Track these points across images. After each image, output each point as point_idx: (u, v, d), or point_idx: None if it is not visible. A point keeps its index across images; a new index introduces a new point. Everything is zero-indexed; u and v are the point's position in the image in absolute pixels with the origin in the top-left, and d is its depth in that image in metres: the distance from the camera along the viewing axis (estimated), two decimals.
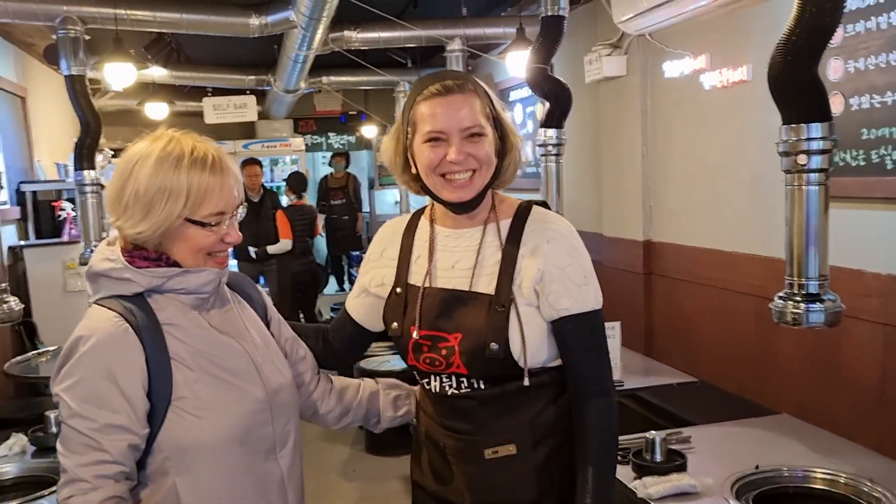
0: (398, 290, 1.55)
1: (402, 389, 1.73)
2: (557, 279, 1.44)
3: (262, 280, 6.25)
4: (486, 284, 1.46)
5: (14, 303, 2.29)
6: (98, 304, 1.34)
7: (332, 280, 9.34)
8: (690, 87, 3.74)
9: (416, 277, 1.55)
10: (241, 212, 1.41)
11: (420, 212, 1.63)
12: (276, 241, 6.27)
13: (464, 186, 1.45)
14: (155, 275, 1.34)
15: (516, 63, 4.27)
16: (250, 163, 6.42)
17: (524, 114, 5.98)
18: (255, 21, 4.22)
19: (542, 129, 3.47)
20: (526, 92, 5.88)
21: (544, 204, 1.57)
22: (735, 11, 3.34)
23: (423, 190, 1.52)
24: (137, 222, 1.31)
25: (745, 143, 3.38)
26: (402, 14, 5.10)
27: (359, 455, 4.63)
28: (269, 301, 1.64)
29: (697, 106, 3.71)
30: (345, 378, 1.74)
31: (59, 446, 1.28)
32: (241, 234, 1.43)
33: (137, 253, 1.36)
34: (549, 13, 3.41)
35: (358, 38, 4.93)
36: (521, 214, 1.52)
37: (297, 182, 6.95)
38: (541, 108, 5.62)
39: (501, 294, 1.44)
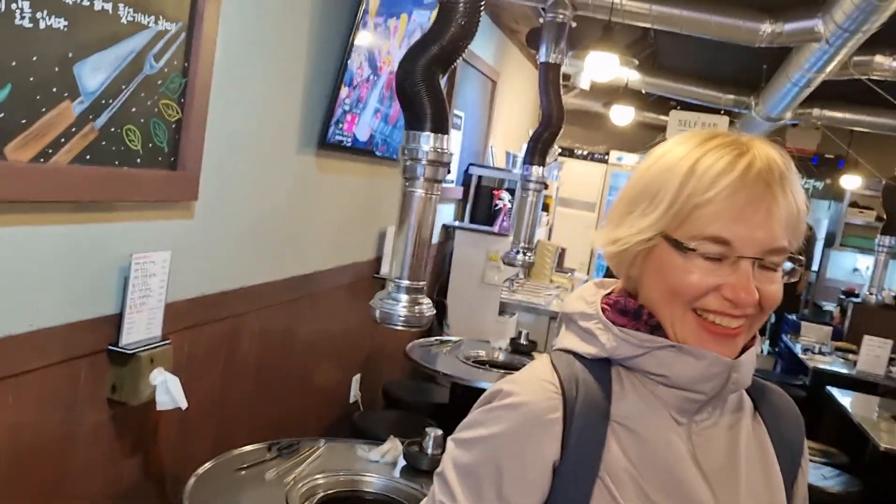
0: None
1: None
2: None
3: None
4: None
5: (427, 307, 1.94)
6: (553, 354, 0.95)
7: None
8: None
9: None
10: (787, 266, 0.88)
11: None
12: None
13: None
14: (629, 339, 0.89)
15: None
16: None
17: None
18: (766, 27, 3.48)
19: None
20: None
21: None
22: None
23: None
24: (611, 230, 0.93)
25: None
26: None
27: None
28: (806, 445, 1.01)
29: None
30: None
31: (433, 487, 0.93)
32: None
33: (620, 302, 0.93)
34: None
35: (891, 66, 3.87)
36: None
37: None
38: None
39: None
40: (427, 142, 1.86)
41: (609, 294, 0.95)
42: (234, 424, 2.56)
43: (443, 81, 3.88)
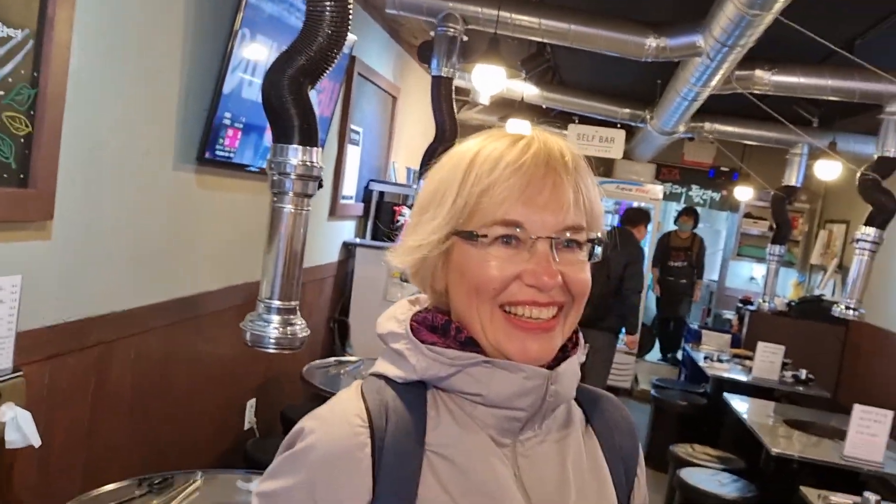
0: None
1: None
2: None
3: None
4: None
5: (300, 327, 1.84)
6: (364, 381, 0.87)
7: (657, 346, 8.45)
8: None
9: None
10: (595, 251, 0.84)
11: None
12: None
13: None
14: (440, 357, 0.82)
15: None
16: None
17: None
18: (651, 42, 3.55)
19: None
20: None
21: None
22: None
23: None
24: (406, 241, 0.88)
25: None
26: (827, 59, 4.10)
27: None
28: (641, 453, 0.96)
29: None
30: None
31: None
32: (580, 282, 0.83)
33: (429, 318, 0.87)
34: None
35: (770, 80, 4.01)
36: None
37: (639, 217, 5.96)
38: None
39: None
40: (295, 155, 1.79)
41: (421, 311, 0.90)
42: (107, 460, 2.40)
43: (336, 95, 3.82)
